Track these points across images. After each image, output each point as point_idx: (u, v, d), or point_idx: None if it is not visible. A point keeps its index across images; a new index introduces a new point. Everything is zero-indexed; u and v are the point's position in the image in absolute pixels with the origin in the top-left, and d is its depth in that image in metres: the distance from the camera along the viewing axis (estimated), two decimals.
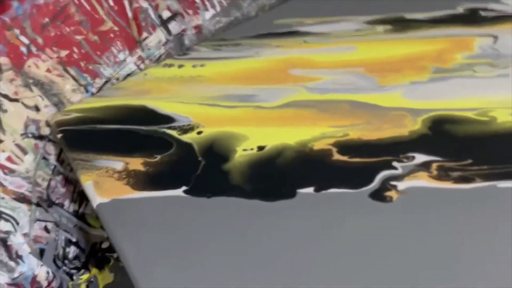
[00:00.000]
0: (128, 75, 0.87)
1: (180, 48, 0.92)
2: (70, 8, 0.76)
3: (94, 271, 0.69)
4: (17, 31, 0.75)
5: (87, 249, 0.72)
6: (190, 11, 0.91)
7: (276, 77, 0.73)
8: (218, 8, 0.93)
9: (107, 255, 0.70)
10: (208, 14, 0.93)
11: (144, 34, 0.88)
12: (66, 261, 0.68)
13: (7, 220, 0.63)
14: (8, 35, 0.74)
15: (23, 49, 0.76)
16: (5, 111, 0.71)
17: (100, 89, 0.84)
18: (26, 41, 0.76)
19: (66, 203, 0.74)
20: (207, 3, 0.92)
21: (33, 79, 0.76)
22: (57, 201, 0.72)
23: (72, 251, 0.70)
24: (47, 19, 0.77)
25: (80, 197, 0.72)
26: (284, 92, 0.72)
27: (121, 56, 0.86)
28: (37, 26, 0.77)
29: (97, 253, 0.71)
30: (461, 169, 0.60)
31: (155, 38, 0.89)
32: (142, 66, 0.89)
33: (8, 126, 0.70)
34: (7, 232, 0.62)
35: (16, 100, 0.73)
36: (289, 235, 0.60)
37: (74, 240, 0.70)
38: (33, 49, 0.77)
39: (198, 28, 0.92)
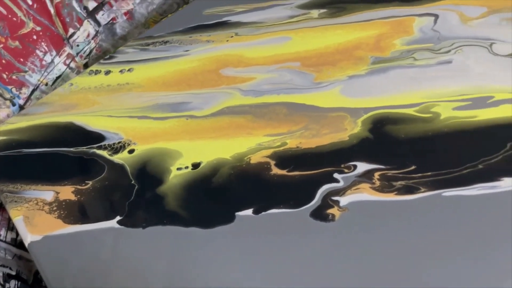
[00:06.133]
0: (58, 77, 0.82)
1: (112, 38, 0.87)
2: None
3: None
4: None
5: (30, 279, 0.68)
6: None
7: (208, 80, 0.69)
8: None
9: None
10: None
11: (71, 30, 0.82)
12: None
13: None
14: None
15: None
16: None
17: (28, 99, 0.79)
18: None
19: (2, 232, 0.70)
20: None
21: None
22: None
23: (12, 285, 0.66)
24: None
25: None
26: (217, 97, 0.67)
27: (47, 58, 0.80)
28: None
29: (40, 282, 0.68)
30: (404, 177, 0.57)
31: (83, 32, 0.83)
32: (72, 64, 0.83)
33: None
34: None
35: None
36: (229, 264, 0.57)
37: (13, 273, 0.67)
38: None
39: (129, 13, 0.86)
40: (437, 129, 0.59)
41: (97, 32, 0.85)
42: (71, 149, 0.67)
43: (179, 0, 0.90)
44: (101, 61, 0.74)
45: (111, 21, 0.86)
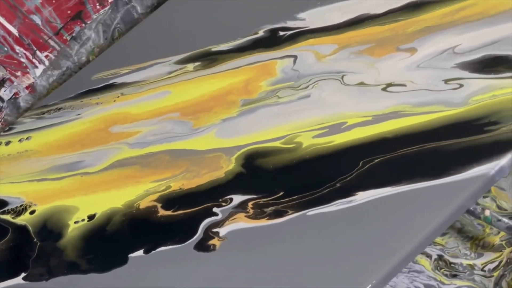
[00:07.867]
0: None
1: (17, 111, 0.93)
2: None
3: None
4: None
5: None
6: (19, 73, 0.91)
7: (98, 138, 0.75)
8: (47, 63, 0.94)
9: None
10: (38, 71, 0.93)
11: None
12: None
13: None
14: None
15: None
16: None
17: None
18: None
19: None
20: (34, 60, 0.93)
21: None
22: None
23: None
24: None
25: None
26: (107, 153, 0.74)
27: None
28: None
29: None
30: (274, 203, 0.64)
31: None
32: None
33: None
34: None
35: None
36: None
37: None
38: None
39: (30, 87, 0.93)
40: (300, 157, 0.66)
41: (1, 107, 0.91)
42: None
43: (77, 69, 0.97)
44: (1, 133, 0.80)
45: (13, 96, 0.92)
